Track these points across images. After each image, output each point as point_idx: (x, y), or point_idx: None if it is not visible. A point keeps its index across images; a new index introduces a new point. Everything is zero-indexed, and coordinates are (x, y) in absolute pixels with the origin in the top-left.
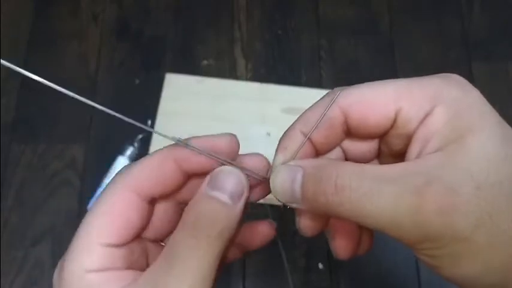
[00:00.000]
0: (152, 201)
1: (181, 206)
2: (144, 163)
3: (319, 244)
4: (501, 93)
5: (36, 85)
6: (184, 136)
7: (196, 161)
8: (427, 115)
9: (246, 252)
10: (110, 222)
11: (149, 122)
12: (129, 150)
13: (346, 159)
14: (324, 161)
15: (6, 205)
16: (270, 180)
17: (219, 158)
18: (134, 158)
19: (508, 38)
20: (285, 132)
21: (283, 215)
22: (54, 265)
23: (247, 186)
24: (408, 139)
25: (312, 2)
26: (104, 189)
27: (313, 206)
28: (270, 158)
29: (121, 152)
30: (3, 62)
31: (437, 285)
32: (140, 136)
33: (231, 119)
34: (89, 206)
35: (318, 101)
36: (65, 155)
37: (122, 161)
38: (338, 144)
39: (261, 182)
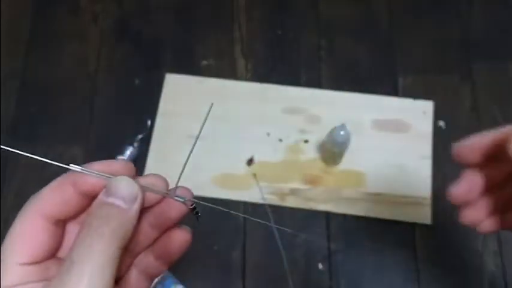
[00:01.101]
0: (59, 223)
1: None
2: (48, 188)
3: (319, 244)
4: (501, 93)
5: (37, 85)
6: (184, 136)
7: (93, 184)
8: None
9: (170, 264)
10: (22, 244)
11: (149, 122)
12: (129, 151)
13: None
14: None
15: (6, 205)
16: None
17: (110, 176)
18: (134, 158)
19: (508, 38)
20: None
21: (283, 215)
22: None
23: (141, 191)
24: None
25: (311, 2)
26: (17, 215)
27: None
28: (270, 158)
29: (121, 152)
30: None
31: (438, 286)
32: (140, 136)
33: (231, 119)
34: None
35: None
36: (65, 156)
37: None
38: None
39: (163, 197)
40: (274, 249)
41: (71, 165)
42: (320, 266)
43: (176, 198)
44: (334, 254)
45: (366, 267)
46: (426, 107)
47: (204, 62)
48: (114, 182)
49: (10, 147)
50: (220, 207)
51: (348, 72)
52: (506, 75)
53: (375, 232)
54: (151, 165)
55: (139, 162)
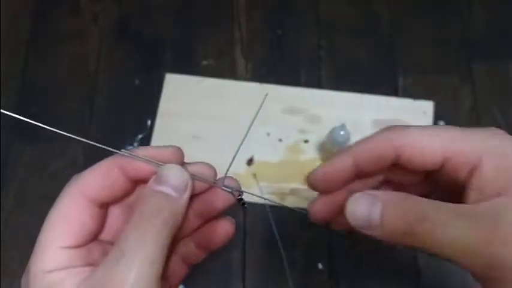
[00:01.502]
0: (103, 206)
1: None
2: (92, 171)
3: (319, 244)
4: (501, 93)
5: (36, 85)
6: (184, 136)
7: (139, 168)
8: (475, 166)
9: (210, 252)
10: (64, 227)
11: (149, 122)
12: None
13: (384, 183)
14: (400, 194)
15: (6, 205)
16: (347, 207)
17: (160, 163)
18: None
19: (508, 38)
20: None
21: (283, 215)
22: None
23: (191, 180)
24: (452, 183)
25: (311, 2)
26: (58, 197)
27: (391, 233)
28: (270, 158)
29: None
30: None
31: (438, 285)
32: (140, 136)
33: (230, 119)
34: None
35: (373, 135)
36: (65, 155)
37: None
38: (379, 173)
39: (210, 186)
40: (274, 249)
41: (122, 150)
42: (320, 265)
43: (224, 188)
44: (334, 254)
45: (366, 267)
46: (426, 107)
47: (204, 62)
48: (165, 170)
49: (10, 146)
50: (268, 199)
51: (348, 72)
52: (506, 75)
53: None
54: None
55: None
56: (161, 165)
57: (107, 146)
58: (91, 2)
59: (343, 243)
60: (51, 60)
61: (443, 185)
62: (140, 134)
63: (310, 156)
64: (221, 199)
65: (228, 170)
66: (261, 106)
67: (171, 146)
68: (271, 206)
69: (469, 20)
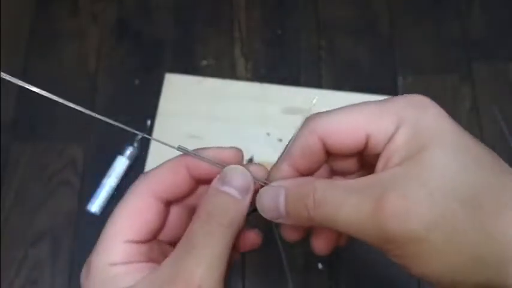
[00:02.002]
0: (167, 204)
1: (193, 211)
2: (161, 169)
3: None
4: (501, 93)
5: (36, 85)
6: (184, 136)
7: (205, 169)
8: (392, 136)
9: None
10: (131, 221)
11: (149, 122)
12: (129, 150)
13: (333, 173)
14: (301, 180)
15: (6, 205)
16: (257, 202)
17: (223, 166)
18: (134, 158)
19: (508, 38)
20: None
21: None
22: (53, 265)
23: (253, 182)
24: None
25: (311, 2)
26: (126, 193)
27: (296, 220)
28: (270, 158)
29: (121, 152)
30: (3, 74)
31: None
32: (140, 136)
33: (230, 119)
34: (89, 206)
35: (298, 132)
36: (65, 155)
37: (121, 161)
38: (322, 164)
39: (262, 186)
40: (274, 249)
41: (190, 150)
42: (320, 265)
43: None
44: (334, 254)
45: (365, 267)
46: None
47: (204, 62)
48: (229, 171)
49: (9, 147)
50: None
51: (348, 72)
52: (506, 75)
53: None
54: (151, 165)
55: (139, 162)
56: (224, 166)
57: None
58: (91, 2)
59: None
60: (51, 60)
61: (374, 165)
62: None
63: None
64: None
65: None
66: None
67: (232, 147)
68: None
69: (469, 20)
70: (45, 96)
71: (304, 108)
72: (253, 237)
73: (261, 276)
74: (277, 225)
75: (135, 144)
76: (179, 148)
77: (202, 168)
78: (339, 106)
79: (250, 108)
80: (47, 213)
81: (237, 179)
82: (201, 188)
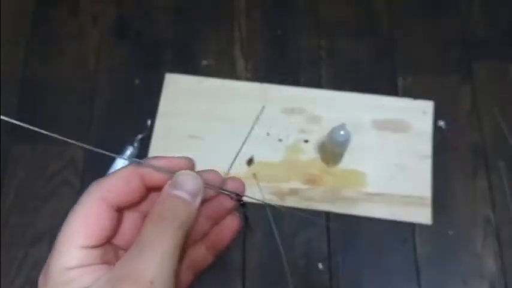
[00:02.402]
0: (119, 210)
1: (145, 217)
2: (113, 177)
3: (318, 244)
4: (501, 93)
5: (37, 85)
6: (184, 135)
7: (158, 177)
8: None
9: (218, 254)
10: (84, 227)
11: (149, 122)
12: (129, 151)
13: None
14: None
15: (6, 205)
16: None
17: (174, 173)
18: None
19: (508, 38)
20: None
21: (283, 215)
22: None
23: (203, 186)
24: None
25: (311, 2)
26: (79, 199)
27: None
28: (270, 158)
29: (121, 152)
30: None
31: (438, 286)
32: (140, 136)
33: (230, 119)
34: None
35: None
36: (65, 155)
37: (121, 161)
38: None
39: (218, 193)
40: (274, 249)
41: (140, 160)
42: (320, 266)
43: (224, 191)
44: (334, 254)
45: (365, 267)
46: (426, 106)
47: (204, 62)
48: (181, 176)
49: (10, 147)
50: (269, 203)
51: (348, 72)
52: (506, 75)
53: (375, 232)
54: None
55: None
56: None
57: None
58: (91, 2)
59: (343, 243)
60: (51, 60)
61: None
62: (140, 133)
63: (310, 156)
64: (230, 200)
65: (228, 170)
66: (257, 119)
67: (184, 157)
68: (271, 206)
69: (469, 21)
70: (44, 97)
71: (304, 108)
72: (232, 224)
73: (261, 276)
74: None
75: (135, 144)
76: (133, 160)
77: (155, 176)
78: (339, 106)
79: (250, 108)
80: (47, 213)
81: (188, 183)
82: (154, 195)
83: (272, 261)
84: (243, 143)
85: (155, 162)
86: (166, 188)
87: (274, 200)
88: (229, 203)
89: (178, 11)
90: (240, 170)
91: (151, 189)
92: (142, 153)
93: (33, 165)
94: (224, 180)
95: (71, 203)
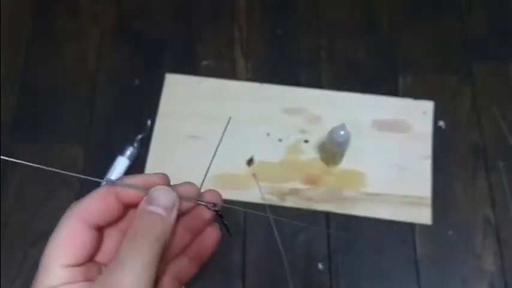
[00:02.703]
0: (99, 229)
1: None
2: (90, 198)
3: (319, 244)
4: (501, 93)
5: (37, 85)
6: (184, 136)
7: (133, 195)
8: None
9: (202, 265)
10: (66, 248)
11: (149, 122)
12: (129, 151)
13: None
14: None
15: (6, 205)
16: None
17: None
18: (134, 158)
19: (508, 39)
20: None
21: (283, 215)
22: None
23: (178, 199)
24: None
25: (311, 3)
26: (60, 221)
27: None
28: (270, 158)
29: (121, 152)
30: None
31: (437, 286)
32: (140, 136)
33: (231, 119)
34: None
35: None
36: (65, 156)
37: (121, 161)
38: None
39: (195, 204)
40: (274, 249)
41: (106, 178)
42: (320, 265)
43: (203, 203)
44: (334, 254)
45: (365, 267)
46: (426, 107)
47: (204, 62)
48: (155, 192)
49: (10, 147)
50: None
51: (348, 72)
52: (506, 75)
53: (375, 232)
54: (152, 165)
55: (139, 162)
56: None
57: (95, 177)
58: (91, 2)
59: (343, 243)
60: (51, 60)
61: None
62: (140, 134)
63: (310, 156)
64: (207, 212)
65: (203, 182)
66: (225, 130)
67: (158, 173)
68: (271, 206)
69: (469, 21)
70: (44, 97)
71: (304, 108)
72: (212, 235)
73: (261, 276)
74: (278, 226)
75: (135, 144)
76: (107, 181)
77: (130, 194)
78: (339, 106)
79: (250, 109)
80: (47, 214)
81: (162, 198)
82: (132, 212)
83: (272, 261)
84: (212, 158)
85: (130, 181)
86: (141, 204)
87: (274, 200)
88: (207, 214)
89: (178, 11)
90: (240, 170)
91: (129, 207)
92: (142, 153)
93: (32, 168)
94: (200, 192)
95: (70, 203)
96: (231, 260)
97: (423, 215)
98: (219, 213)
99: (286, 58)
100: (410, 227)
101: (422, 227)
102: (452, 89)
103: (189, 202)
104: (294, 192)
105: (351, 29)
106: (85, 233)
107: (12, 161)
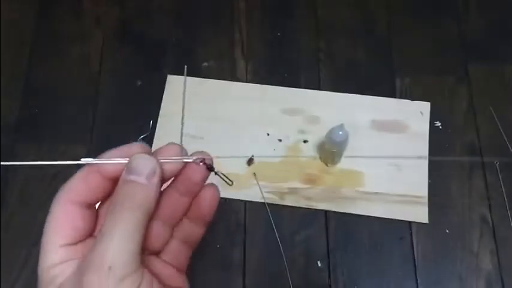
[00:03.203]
0: (91, 206)
1: None
2: (75, 178)
3: (318, 243)
4: (498, 94)
5: (40, 86)
6: (185, 136)
7: (114, 168)
8: None
9: (208, 225)
10: (59, 229)
11: (151, 123)
12: None
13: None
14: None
15: (9, 205)
16: None
17: (126, 160)
18: None
19: (505, 39)
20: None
21: (282, 214)
22: None
23: (158, 166)
24: None
25: (311, 4)
26: (52, 203)
27: None
28: (270, 158)
29: None
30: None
31: (435, 284)
32: (142, 137)
33: (231, 119)
34: None
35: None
36: (68, 156)
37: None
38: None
39: (184, 164)
40: (274, 247)
41: (82, 159)
42: (319, 263)
43: (190, 160)
44: (333, 252)
45: (364, 265)
46: (423, 107)
47: (205, 64)
48: (134, 161)
49: (13, 147)
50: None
51: (347, 74)
52: (502, 76)
53: (373, 231)
54: None
55: None
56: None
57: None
58: (94, 4)
59: (343, 241)
60: (54, 61)
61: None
62: (142, 134)
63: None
64: (197, 173)
65: (181, 139)
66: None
67: (137, 143)
68: (270, 205)
69: (466, 22)
70: (47, 98)
71: (304, 109)
72: (209, 193)
73: (261, 274)
74: (276, 223)
75: None
76: (86, 161)
77: (111, 168)
78: (338, 107)
79: (251, 109)
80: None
81: (142, 166)
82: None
83: (272, 259)
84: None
85: (108, 154)
86: (122, 174)
87: (273, 199)
88: (197, 174)
89: (179, 13)
90: (240, 169)
91: (116, 181)
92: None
93: (36, 166)
94: (182, 149)
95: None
96: (232, 257)
97: (420, 214)
98: (209, 167)
99: (286, 59)
100: (408, 225)
101: (420, 225)
102: (449, 90)
103: (175, 163)
104: (293, 191)
105: (349, 31)
106: (76, 212)
107: (11, 164)
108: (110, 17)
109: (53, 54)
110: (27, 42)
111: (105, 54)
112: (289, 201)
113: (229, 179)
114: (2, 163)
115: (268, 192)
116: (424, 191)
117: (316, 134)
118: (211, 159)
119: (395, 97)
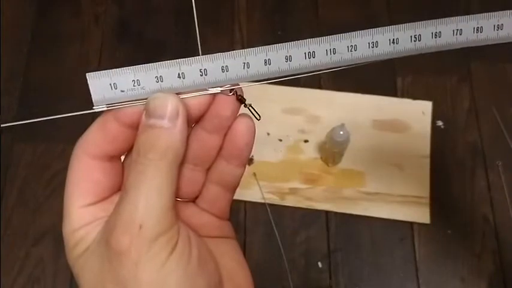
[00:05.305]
0: (113, 159)
1: None
2: (91, 129)
3: (319, 243)
4: (499, 93)
5: (38, 85)
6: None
7: (132, 112)
8: None
9: (245, 163)
10: (79, 188)
11: None
12: None
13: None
14: None
15: (8, 204)
16: None
17: (144, 99)
18: None
19: None
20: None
21: (282, 214)
22: (55, 263)
23: (181, 104)
24: None
25: (311, 3)
26: (70, 160)
27: None
28: (270, 158)
29: None
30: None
31: (436, 285)
32: None
33: None
34: None
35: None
36: (66, 155)
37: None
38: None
39: (210, 99)
40: (274, 248)
41: (95, 107)
42: (320, 264)
43: (218, 91)
44: (334, 253)
45: (365, 266)
46: (425, 107)
47: None
48: (151, 101)
49: (11, 147)
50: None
51: (348, 73)
52: (504, 76)
53: (374, 231)
54: None
55: None
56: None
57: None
58: (92, 3)
59: (343, 242)
60: (53, 60)
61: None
62: None
63: (310, 156)
64: (224, 106)
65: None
66: None
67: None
68: (271, 205)
69: None
70: (46, 96)
71: (304, 108)
72: (241, 125)
73: (261, 274)
74: (277, 223)
75: None
76: (98, 108)
77: (130, 113)
78: (339, 106)
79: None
80: (49, 213)
81: (162, 106)
82: None
83: (272, 260)
84: None
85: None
86: (141, 120)
87: (274, 199)
88: (228, 107)
89: (178, 11)
90: None
91: (137, 127)
92: None
93: (35, 165)
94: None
95: None
96: None
97: (422, 214)
98: (240, 97)
99: None
100: (409, 226)
101: (421, 226)
102: (451, 89)
103: (201, 98)
104: (293, 191)
105: (350, 30)
106: (95, 167)
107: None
108: (109, 16)
109: (51, 53)
110: (26, 41)
111: (103, 53)
112: (289, 202)
113: (258, 113)
114: (2, 125)
115: (268, 192)
116: (425, 192)
117: (317, 134)
118: (241, 89)
119: (396, 96)
